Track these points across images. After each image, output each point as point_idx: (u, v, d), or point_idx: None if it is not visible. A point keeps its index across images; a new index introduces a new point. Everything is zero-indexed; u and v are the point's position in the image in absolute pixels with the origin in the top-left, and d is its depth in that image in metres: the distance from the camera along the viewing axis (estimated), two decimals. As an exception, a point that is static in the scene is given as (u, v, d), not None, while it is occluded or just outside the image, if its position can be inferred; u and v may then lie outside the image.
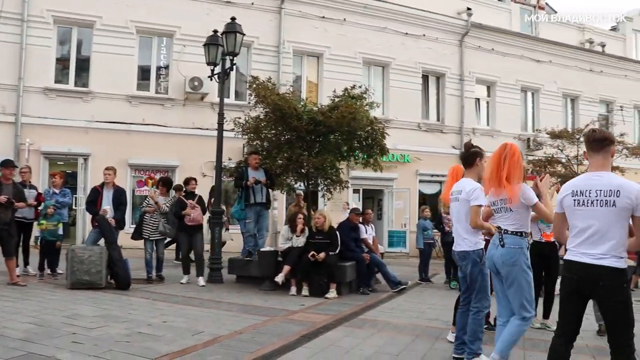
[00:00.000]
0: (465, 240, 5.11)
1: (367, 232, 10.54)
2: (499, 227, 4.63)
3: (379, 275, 10.42)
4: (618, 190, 3.52)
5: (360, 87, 11.01)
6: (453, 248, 5.32)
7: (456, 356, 5.24)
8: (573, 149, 16.83)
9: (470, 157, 5.19)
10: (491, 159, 4.65)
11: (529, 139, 21.60)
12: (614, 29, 27.46)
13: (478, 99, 21.99)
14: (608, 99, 25.09)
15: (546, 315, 7.12)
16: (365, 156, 10.99)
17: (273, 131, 10.79)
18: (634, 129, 25.34)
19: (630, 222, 3.60)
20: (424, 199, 19.81)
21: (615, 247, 3.52)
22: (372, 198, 19.89)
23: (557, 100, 23.75)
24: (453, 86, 21.06)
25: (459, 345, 5.24)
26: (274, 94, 10.32)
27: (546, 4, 24.95)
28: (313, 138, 10.47)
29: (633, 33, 27.11)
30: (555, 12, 27.01)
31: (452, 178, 5.51)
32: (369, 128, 10.45)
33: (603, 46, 25.21)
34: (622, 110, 25.10)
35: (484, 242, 5.17)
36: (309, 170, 10.47)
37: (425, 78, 20.81)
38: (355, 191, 18.81)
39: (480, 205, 4.90)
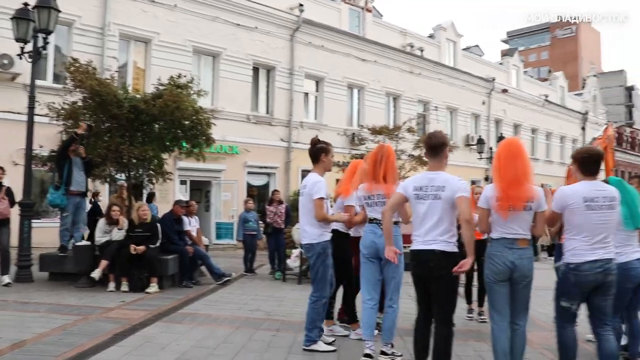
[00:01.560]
0: (310, 233, 5.31)
1: (191, 224, 10.41)
2: (375, 218, 5.03)
3: (203, 268, 10.32)
4: (444, 186, 4.12)
5: (185, 76, 10.77)
6: (300, 241, 5.52)
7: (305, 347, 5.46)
8: (393, 144, 18.06)
9: (316, 152, 5.46)
10: (368, 159, 5.12)
11: (353, 134, 22.62)
12: (431, 36, 29.90)
13: (307, 93, 22.55)
14: (425, 99, 27.23)
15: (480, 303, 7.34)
16: (189, 146, 10.79)
17: (92, 118, 10.17)
18: (446, 127, 27.76)
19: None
20: (252, 191, 20.00)
21: (442, 233, 4.07)
22: (200, 190, 19.58)
23: (381, 98, 25.24)
24: (283, 80, 21.36)
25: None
26: (93, 79, 9.72)
27: (373, 7, 26.32)
28: (135, 127, 10.05)
29: (446, 42, 29.82)
30: (381, 15, 28.72)
31: (351, 173, 5.88)
32: (194, 117, 10.26)
33: (422, 51, 27.26)
34: (436, 110, 27.50)
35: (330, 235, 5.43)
36: (129, 160, 10.03)
37: (256, 70, 20.85)
38: (183, 182, 18.40)
39: (322, 198, 5.20)
